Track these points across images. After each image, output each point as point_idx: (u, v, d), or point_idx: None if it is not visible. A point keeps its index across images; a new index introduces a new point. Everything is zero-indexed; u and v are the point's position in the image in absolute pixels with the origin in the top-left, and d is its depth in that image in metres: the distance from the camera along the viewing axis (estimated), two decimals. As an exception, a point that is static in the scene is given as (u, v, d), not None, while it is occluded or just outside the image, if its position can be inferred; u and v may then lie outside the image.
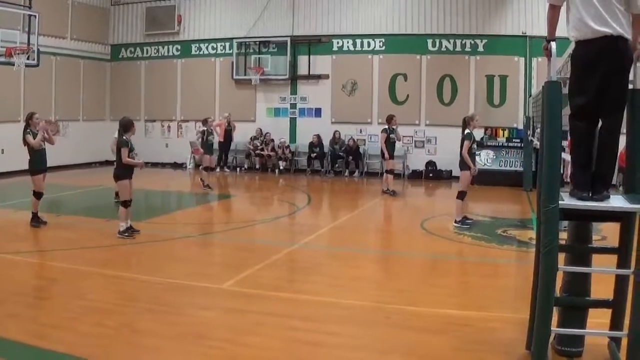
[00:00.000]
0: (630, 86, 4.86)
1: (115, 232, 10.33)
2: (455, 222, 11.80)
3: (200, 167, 17.62)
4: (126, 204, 10.34)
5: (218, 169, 21.52)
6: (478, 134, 15.77)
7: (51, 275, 7.97)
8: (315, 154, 21.43)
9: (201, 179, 17.09)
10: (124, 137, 10.38)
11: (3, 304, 6.70)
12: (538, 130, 13.68)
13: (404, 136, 19.86)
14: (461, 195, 11.82)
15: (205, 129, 17.30)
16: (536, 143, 14.49)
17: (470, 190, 12.28)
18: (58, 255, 9.02)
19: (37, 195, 11.05)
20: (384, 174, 16.33)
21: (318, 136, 21.30)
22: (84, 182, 18.03)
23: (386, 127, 16.10)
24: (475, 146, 12.12)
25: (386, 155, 16.01)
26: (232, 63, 22.71)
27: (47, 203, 13.55)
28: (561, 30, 4.92)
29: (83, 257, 8.95)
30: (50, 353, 5.25)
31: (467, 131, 11.74)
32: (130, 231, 10.37)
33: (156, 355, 5.36)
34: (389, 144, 15.99)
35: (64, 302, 6.74)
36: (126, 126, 10.52)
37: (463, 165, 11.80)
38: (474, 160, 11.93)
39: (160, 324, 6.09)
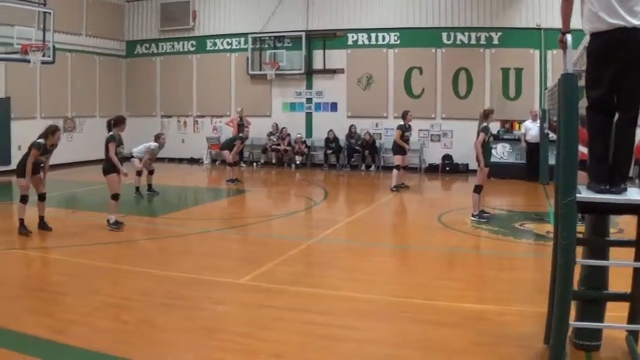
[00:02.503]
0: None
1: (131, 227, 10.61)
2: (473, 215, 11.75)
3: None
4: (115, 197, 10.62)
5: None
6: (494, 127, 15.65)
7: (67, 271, 8.01)
8: (331, 150, 21.45)
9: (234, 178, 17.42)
10: (112, 132, 10.71)
11: (20, 299, 6.79)
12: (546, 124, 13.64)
13: (420, 130, 19.92)
14: (478, 189, 11.77)
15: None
16: (552, 136, 14.40)
17: (487, 184, 12.22)
18: (74, 250, 9.05)
19: (23, 199, 10.24)
20: (397, 170, 16.06)
21: (333, 132, 21.34)
22: (100, 178, 17.98)
23: (402, 123, 15.91)
24: (492, 139, 12.04)
25: (406, 148, 15.91)
26: (247, 58, 22.74)
27: (63, 199, 13.71)
28: (576, 23, 4.87)
29: (99, 253, 9.02)
30: (68, 348, 5.29)
31: (484, 124, 11.65)
32: (118, 224, 10.56)
33: (173, 349, 5.38)
34: (404, 140, 15.88)
35: (80, 297, 6.78)
36: (117, 122, 10.91)
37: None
38: (490, 154, 11.86)
39: (176, 319, 6.11)
